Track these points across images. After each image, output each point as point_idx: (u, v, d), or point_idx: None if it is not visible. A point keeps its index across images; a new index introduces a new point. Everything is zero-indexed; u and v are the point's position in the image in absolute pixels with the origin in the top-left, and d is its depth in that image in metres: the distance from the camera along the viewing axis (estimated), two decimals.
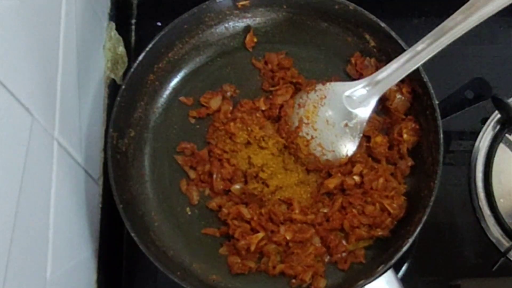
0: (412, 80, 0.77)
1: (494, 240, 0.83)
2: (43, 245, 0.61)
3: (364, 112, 0.75)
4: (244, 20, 0.84)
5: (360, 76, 0.79)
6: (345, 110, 0.75)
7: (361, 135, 0.76)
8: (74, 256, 0.71)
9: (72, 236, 0.70)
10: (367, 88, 0.75)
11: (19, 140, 0.55)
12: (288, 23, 0.83)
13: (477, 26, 0.72)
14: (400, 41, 0.76)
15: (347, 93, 0.75)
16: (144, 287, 0.84)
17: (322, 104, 0.77)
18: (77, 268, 0.72)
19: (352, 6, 0.78)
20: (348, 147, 0.76)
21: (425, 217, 0.71)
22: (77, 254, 0.72)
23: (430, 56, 0.71)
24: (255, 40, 0.83)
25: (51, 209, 0.63)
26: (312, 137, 0.77)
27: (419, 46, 0.72)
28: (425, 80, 0.75)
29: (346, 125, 0.75)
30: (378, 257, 0.75)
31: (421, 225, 0.71)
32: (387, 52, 0.79)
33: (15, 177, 0.54)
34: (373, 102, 0.75)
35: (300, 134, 0.77)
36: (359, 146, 0.77)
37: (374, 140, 0.77)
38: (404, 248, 0.71)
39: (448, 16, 0.87)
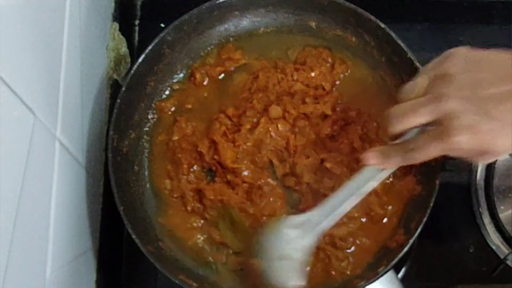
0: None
1: (493, 247, 0.83)
2: (43, 244, 0.61)
3: (302, 247, 0.68)
4: (245, 20, 0.84)
5: None
6: (282, 245, 0.69)
7: (302, 270, 0.69)
8: (74, 256, 0.71)
9: (72, 236, 0.70)
10: (305, 226, 0.68)
11: (21, 139, 0.55)
12: (290, 23, 0.84)
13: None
14: (399, 42, 0.77)
15: (285, 228, 0.69)
16: None
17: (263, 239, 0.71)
18: (77, 267, 0.72)
19: (352, 6, 0.79)
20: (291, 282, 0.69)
21: (425, 218, 0.71)
22: (77, 254, 0.72)
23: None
24: None
25: (52, 208, 0.63)
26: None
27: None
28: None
29: (284, 258, 0.68)
30: (378, 258, 0.75)
31: (422, 225, 0.71)
32: (387, 53, 0.79)
33: (17, 176, 0.54)
34: (311, 239, 0.68)
35: None
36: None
37: None
38: (405, 249, 0.71)
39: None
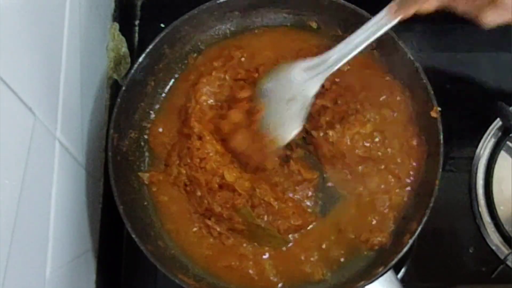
0: (414, 83, 0.77)
1: (493, 247, 0.83)
2: (43, 244, 0.61)
3: (309, 90, 0.72)
4: (245, 21, 0.84)
5: None
6: (291, 87, 0.72)
7: (305, 114, 0.73)
8: (74, 256, 0.71)
9: (72, 236, 0.70)
10: (315, 69, 0.72)
11: (21, 139, 0.55)
12: (289, 23, 0.84)
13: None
14: (399, 42, 0.76)
15: (295, 70, 0.73)
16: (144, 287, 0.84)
17: (270, 81, 0.74)
18: (77, 267, 0.72)
19: (352, 6, 0.78)
20: (293, 127, 0.73)
21: (425, 218, 0.71)
22: (77, 253, 0.72)
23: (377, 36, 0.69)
24: None
25: (52, 208, 0.63)
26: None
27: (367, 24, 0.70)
28: (424, 81, 0.75)
29: (292, 100, 0.73)
30: (378, 258, 0.75)
31: (421, 225, 0.71)
32: (387, 53, 0.79)
33: (17, 176, 0.54)
34: (319, 81, 0.72)
35: None
36: None
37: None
38: (405, 249, 0.71)
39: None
